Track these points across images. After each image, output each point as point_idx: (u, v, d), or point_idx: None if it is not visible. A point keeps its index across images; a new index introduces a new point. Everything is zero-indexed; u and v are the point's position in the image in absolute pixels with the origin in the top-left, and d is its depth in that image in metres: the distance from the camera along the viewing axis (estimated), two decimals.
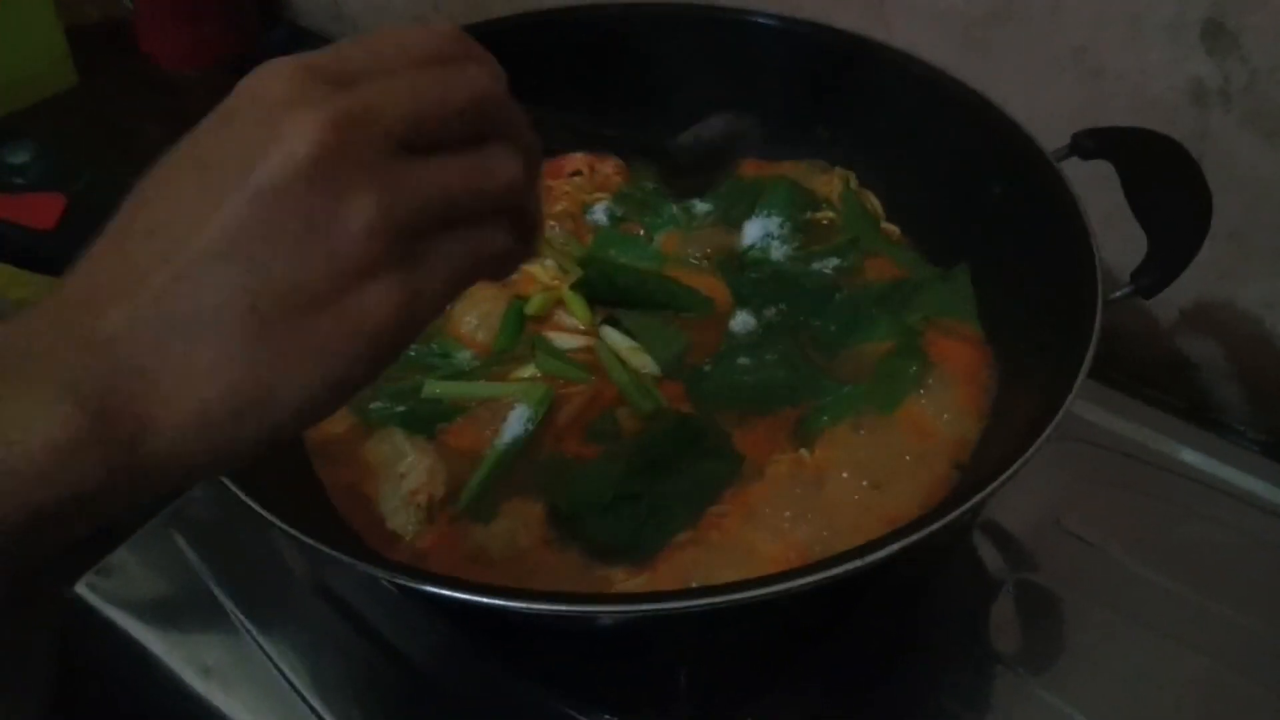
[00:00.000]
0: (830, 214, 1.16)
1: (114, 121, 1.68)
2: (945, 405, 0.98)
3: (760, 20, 1.18)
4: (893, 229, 1.16)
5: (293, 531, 0.77)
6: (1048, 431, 0.79)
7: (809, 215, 1.16)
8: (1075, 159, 1.01)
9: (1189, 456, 1.10)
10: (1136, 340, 1.26)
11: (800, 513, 0.92)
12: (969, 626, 0.99)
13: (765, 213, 1.14)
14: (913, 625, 1.01)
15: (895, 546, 0.74)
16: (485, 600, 0.74)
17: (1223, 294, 1.19)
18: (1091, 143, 1.00)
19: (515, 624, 0.94)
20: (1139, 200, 0.97)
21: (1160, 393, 1.26)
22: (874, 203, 1.18)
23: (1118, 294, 0.90)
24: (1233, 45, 1.05)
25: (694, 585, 0.85)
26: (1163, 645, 0.96)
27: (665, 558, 0.90)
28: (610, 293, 1.08)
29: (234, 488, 0.80)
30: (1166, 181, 0.97)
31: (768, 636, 0.96)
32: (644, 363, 1.03)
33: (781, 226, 1.13)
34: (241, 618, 1.00)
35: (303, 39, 1.83)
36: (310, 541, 0.77)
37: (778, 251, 1.12)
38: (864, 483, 0.93)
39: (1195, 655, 0.95)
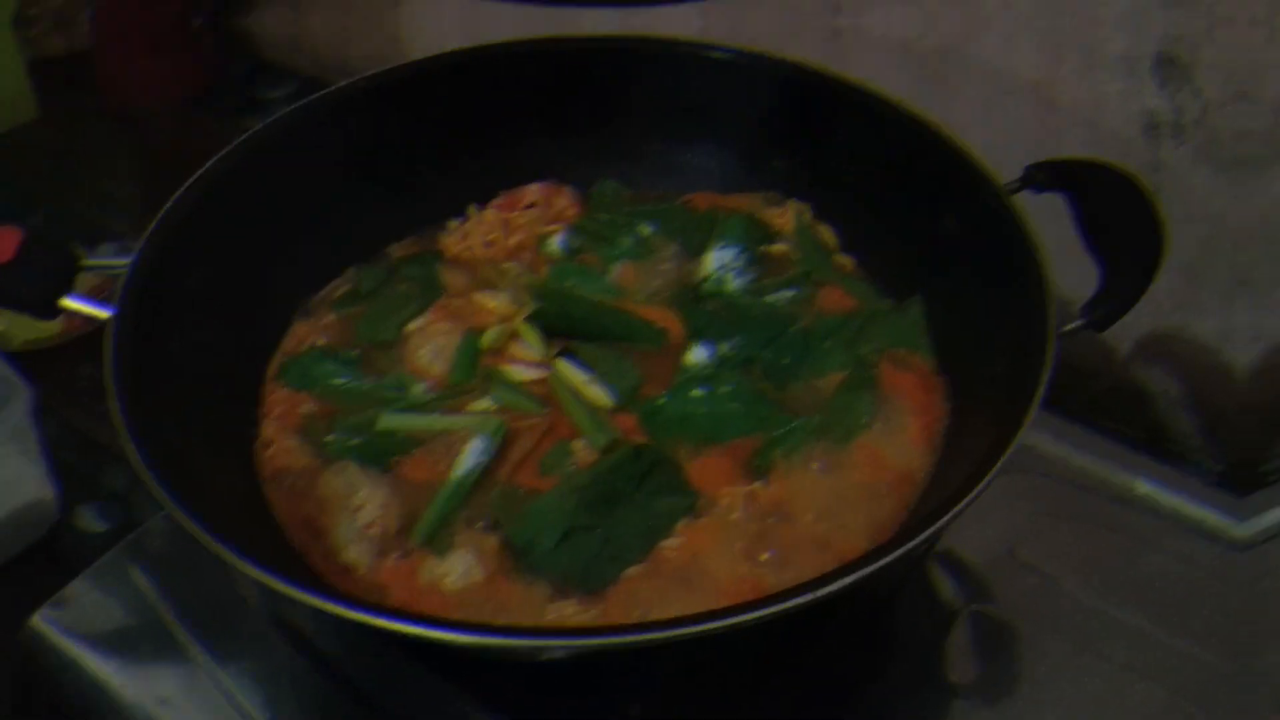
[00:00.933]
0: (785, 246, 1.16)
1: (74, 155, 1.68)
2: (898, 438, 0.98)
3: (716, 54, 1.18)
4: (847, 261, 1.16)
5: (240, 562, 0.77)
6: (996, 468, 0.80)
7: (764, 247, 1.15)
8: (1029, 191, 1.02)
9: (1144, 488, 1.10)
10: (1093, 370, 1.26)
11: (754, 546, 0.92)
12: (926, 658, 0.99)
13: (722, 244, 1.14)
14: (870, 656, 1.01)
15: (844, 582, 0.74)
16: (432, 633, 0.75)
17: (1178, 325, 1.20)
18: (1044, 175, 1.01)
19: (469, 657, 0.93)
20: (1092, 233, 0.97)
21: (1118, 423, 1.25)
22: (828, 235, 1.17)
23: (1070, 327, 0.91)
24: (1184, 79, 1.06)
25: (644, 619, 0.86)
26: (1118, 677, 0.96)
27: (619, 591, 0.90)
28: (565, 324, 1.08)
29: (185, 522, 0.80)
30: (1119, 214, 0.97)
31: (722, 670, 0.95)
32: (599, 395, 1.03)
33: (737, 258, 1.13)
34: (198, 650, 0.99)
35: (265, 71, 1.83)
36: (256, 571, 0.77)
37: (733, 283, 1.12)
38: (818, 516, 0.94)
39: (1150, 687, 0.95)
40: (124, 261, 0.99)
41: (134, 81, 1.74)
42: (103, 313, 0.95)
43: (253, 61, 1.86)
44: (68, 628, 1.02)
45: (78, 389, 1.33)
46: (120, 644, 1.01)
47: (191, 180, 1.05)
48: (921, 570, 1.05)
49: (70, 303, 0.99)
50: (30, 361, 1.28)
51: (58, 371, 1.35)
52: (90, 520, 1.22)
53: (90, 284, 1.31)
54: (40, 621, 1.03)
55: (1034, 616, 1.01)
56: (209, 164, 1.07)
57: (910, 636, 1.02)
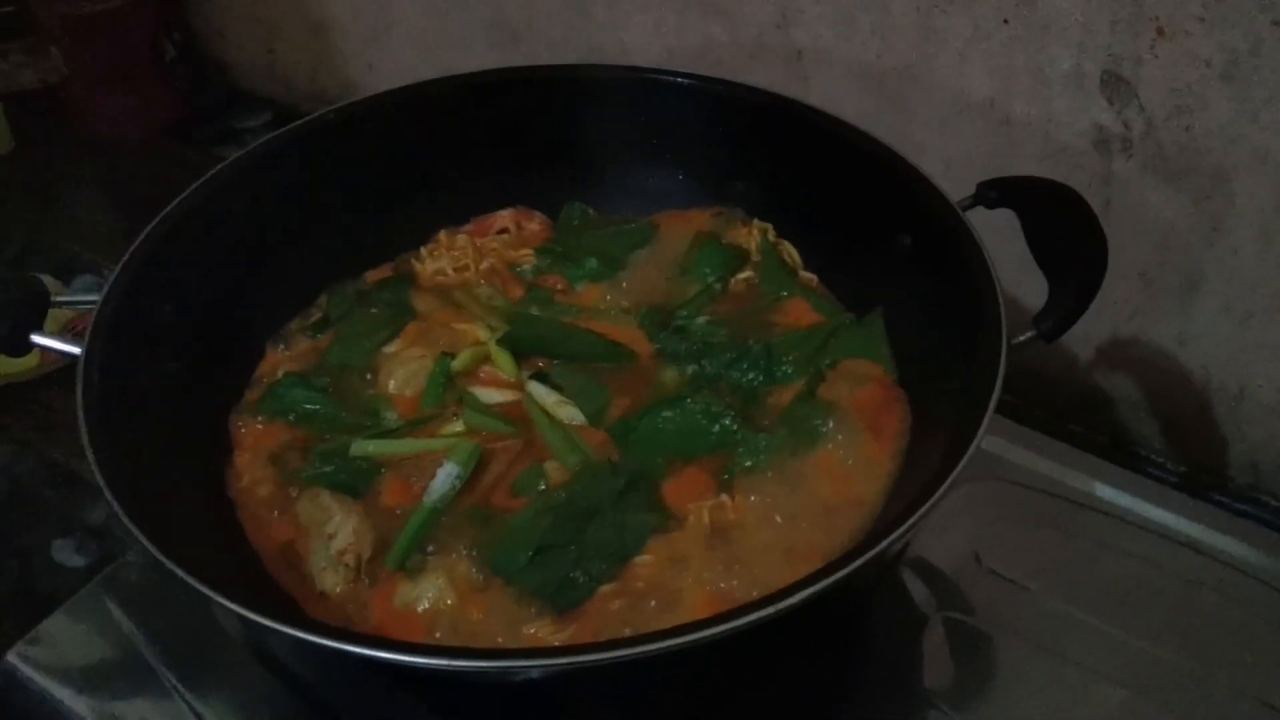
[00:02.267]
0: (750, 274, 1.18)
1: (49, 187, 1.69)
2: (859, 450, 1.00)
3: (679, 80, 1.21)
4: (811, 277, 1.18)
5: (209, 592, 0.78)
6: (951, 477, 0.81)
7: (733, 278, 1.18)
8: (982, 207, 1.04)
9: (1104, 492, 1.11)
10: (1059, 378, 1.29)
11: (723, 560, 0.93)
12: (901, 664, 1.01)
13: (699, 275, 1.18)
14: (847, 664, 1.02)
15: (805, 594, 0.75)
16: (403, 659, 0.75)
17: (1136, 331, 1.22)
18: (995, 193, 1.03)
19: (443, 680, 0.94)
20: (1039, 247, 1.00)
21: (1082, 428, 1.28)
22: (792, 252, 1.19)
23: (1021, 338, 0.92)
24: (1130, 94, 1.08)
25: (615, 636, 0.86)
26: (1082, 678, 0.98)
27: (592, 610, 0.91)
28: (537, 346, 1.10)
29: (157, 553, 0.80)
30: (1064, 229, 0.98)
31: (699, 683, 0.96)
32: (571, 415, 1.04)
33: (709, 295, 1.16)
34: (175, 682, 1.00)
35: (238, 100, 1.85)
36: (225, 601, 0.78)
37: (700, 323, 1.14)
38: (784, 527, 0.95)
39: (1114, 688, 0.97)
40: (94, 298, 0.99)
41: (107, 113, 1.75)
42: (73, 349, 0.96)
43: (228, 91, 1.88)
44: (43, 665, 1.02)
45: (53, 423, 1.34)
46: (96, 679, 1.02)
47: (160, 216, 1.05)
48: (893, 576, 1.06)
49: (41, 340, 0.99)
50: (6, 395, 1.29)
51: (34, 405, 1.36)
52: (68, 554, 1.22)
53: (65, 318, 1.33)
54: (15, 659, 1.03)
55: (1001, 621, 1.02)
56: (177, 199, 1.08)
57: (885, 643, 1.03)
